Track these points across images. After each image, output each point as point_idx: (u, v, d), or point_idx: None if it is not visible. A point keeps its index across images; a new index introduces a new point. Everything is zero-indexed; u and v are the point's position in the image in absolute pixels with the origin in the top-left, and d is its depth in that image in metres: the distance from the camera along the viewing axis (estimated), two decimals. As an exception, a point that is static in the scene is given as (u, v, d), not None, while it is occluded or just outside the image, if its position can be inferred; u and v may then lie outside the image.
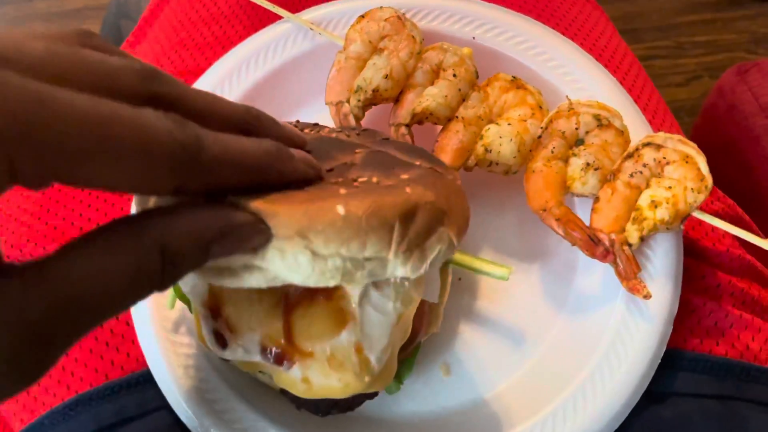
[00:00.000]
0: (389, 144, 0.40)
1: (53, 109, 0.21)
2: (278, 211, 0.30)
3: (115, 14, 0.90)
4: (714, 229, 0.54)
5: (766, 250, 0.58)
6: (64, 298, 0.23)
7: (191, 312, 0.44)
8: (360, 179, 0.33)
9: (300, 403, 0.41)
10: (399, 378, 0.44)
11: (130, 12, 0.86)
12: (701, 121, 0.88)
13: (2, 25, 1.63)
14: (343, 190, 0.32)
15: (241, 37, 0.59)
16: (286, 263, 0.30)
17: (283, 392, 0.41)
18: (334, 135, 0.41)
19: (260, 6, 0.60)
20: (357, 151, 0.37)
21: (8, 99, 0.21)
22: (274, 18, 0.58)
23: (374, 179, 0.34)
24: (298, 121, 0.43)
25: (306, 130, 0.41)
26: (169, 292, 0.46)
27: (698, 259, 0.52)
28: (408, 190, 0.32)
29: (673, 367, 0.47)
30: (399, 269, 0.32)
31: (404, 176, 0.34)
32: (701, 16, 1.58)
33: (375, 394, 0.40)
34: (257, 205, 0.30)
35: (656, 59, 1.53)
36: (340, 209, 0.30)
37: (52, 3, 1.66)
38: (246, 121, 0.31)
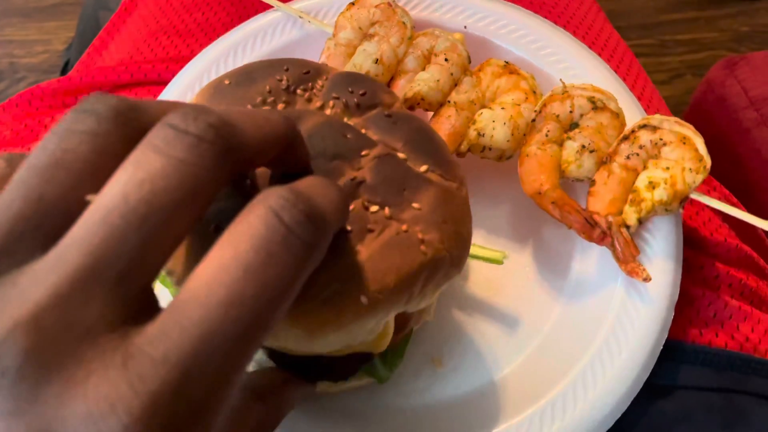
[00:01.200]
0: (395, 130, 0.38)
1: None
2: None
3: (93, 6, 0.88)
4: (711, 218, 0.53)
5: (761, 242, 0.57)
6: None
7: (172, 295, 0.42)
8: (371, 210, 0.34)
9: (289, 364, 0.38)
10: (390, 366, 0.43)
11: (108, 2, 0.84)
12: (690, 115, 0.87)
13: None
14: (360, 250, 0.32)
15: (224, 24, 0.57)
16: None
17: (271, 356, 0.38)
18: (333, 109, 0.39)
19: (244, -8, 0.59)
20: (363, 153, 0.35)
21: None
22: (258, 4, 0.57)
23: (387, 212, 0.34)
24: (287, 69, 0.40)
25: (299, 90, 0.39)
26: None
27: (696, 249, 0.51)
28: (423, 248, 0.33)
29: (674, 359, 0.46)
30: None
31: (416, 206, 0.35)
32: (684, 14, 1.59)
33: (370, 357, 0.38)
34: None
35: (639, 57, 1.51)
36: (364, 300, 0.32)
37: (29, -3, 1.64)
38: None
